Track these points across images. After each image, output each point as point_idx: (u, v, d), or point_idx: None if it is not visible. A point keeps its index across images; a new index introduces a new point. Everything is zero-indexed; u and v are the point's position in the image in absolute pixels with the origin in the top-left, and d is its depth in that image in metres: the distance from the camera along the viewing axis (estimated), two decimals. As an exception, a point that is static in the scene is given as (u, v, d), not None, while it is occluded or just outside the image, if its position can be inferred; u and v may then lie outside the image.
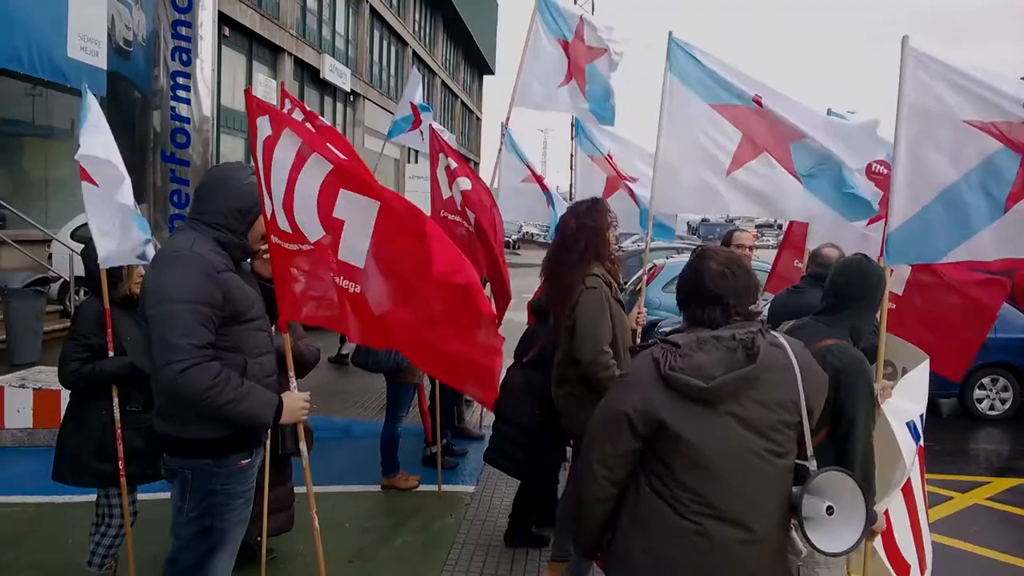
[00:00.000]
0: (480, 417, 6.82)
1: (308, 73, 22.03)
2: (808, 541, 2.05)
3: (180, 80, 7.62)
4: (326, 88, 23.61)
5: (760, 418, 2.03)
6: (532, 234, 39.55)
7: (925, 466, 3.37)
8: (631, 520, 2.11)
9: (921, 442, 3.17)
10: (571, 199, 9.70)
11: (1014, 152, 2.86)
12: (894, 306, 3.71)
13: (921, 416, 3.15)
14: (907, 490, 3.06)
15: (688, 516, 2.01)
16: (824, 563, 2.88)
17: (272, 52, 19.72)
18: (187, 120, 7.62)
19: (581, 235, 3.66)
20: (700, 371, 2.00)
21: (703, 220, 28.73)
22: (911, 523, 3.11)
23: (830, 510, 2.08)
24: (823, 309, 2.95)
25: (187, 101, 7.65)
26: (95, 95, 3.67)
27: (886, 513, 2.95)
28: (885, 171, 4.09)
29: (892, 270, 3.26)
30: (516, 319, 4.73)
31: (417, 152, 32.04)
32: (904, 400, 3.03)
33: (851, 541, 2.09)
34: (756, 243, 5.26)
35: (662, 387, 2.02)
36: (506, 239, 34.51)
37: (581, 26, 6.00)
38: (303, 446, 3.11)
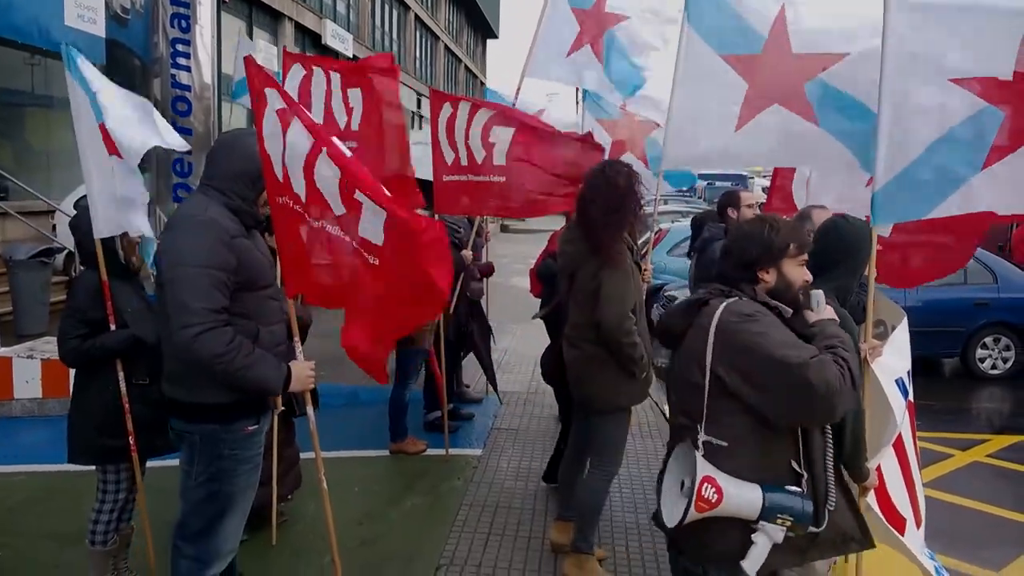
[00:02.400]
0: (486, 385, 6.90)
1: (309, 38, 21.82)
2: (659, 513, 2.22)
3: (180, 47, 7.56)
4: (328, 54, 23.39)
5: (678, 371, 2.32)
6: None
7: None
8: None
9: (910, 397, 3.22)
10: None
11: (997, 109, 2.85)
12: (881, 248, 3.73)
13: (908, 372, 3.20)
14: (899, 446, 3.11)
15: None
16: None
17: (272, 18, 19.53)
18: (188, 88, 7.58)
19: (626, 198, 3.53)
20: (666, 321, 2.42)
21: (709, 183, 28.45)
22: (904, 478, 3.16)
23: (683, 485, 2.15)
24: (810, 270, 2.97)
25: (187, 68, 7.60)
26: (94, 64, 3.57)
27: (878, 469, 3.01)
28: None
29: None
30: (521, 284, 4.76)
31: (422, 118, 31.91)
32: (892, 358, 3.07)
33: (674, 518, 2.13)
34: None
35: None
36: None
37: None
38: (311, 410, 3.16)
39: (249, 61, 2.86)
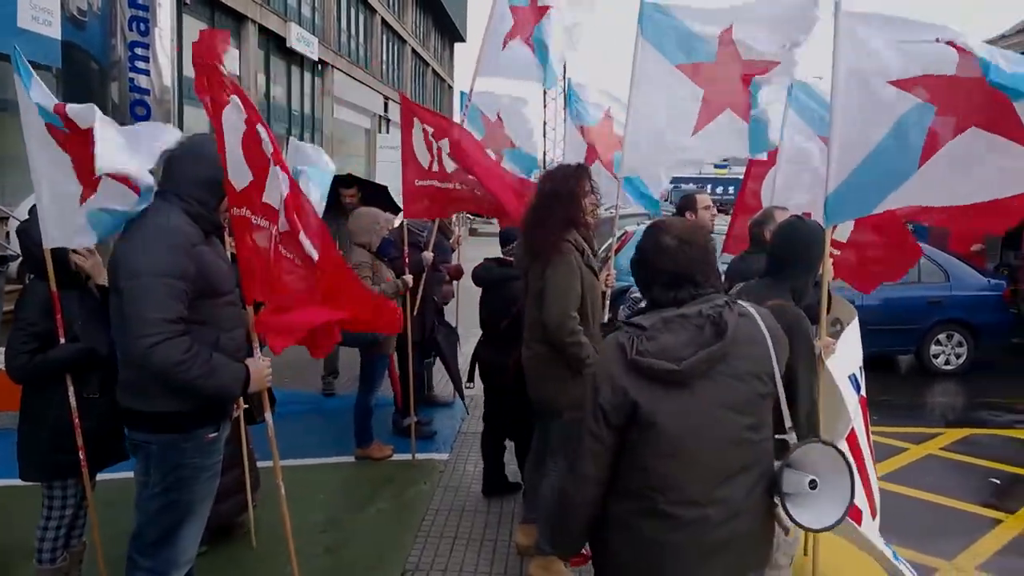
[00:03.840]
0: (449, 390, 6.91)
1: (274, 42, 21.62)
2: (791, 517, 2.02)
3: (138, 51, 7.45)
4: (293, 57, 23.20)
5: (736, 394, 1.97)
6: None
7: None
8: (613, 518, 2.06)
9: (863, 393, 3.32)
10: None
11: (930, 105, 2.97)
12: (839, 252, 3.85)
13: (860, 368, 3.30)
14: (852, 440, 3.20)
15: (666, 507, 1.96)
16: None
17: (235, 20, 19.30)
18: (147, 91, 7.48)
19: (556, 199, 3.63)
20: (668, 353, 1.93)
21: (675, 187, 28.82)
22: (859, 471, 3.25)
23: (813, 484, 2.03)
24: (766, 271, 3.07)
25: (146, 72, 7.49)
26: (49, 67, 3.47)
27: (834, 464, 3.09)
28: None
29: (835, 227, 3.38)
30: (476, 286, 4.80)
31: (389, 122, 31.80)
32: (845, 355, 3.17)
33: (836, 515, 2.04)
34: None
35: (631, 373, 1.95)
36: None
37: None
38: (268, 415, 3.14)
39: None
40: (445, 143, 5.01)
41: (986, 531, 4.63)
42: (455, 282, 6.72)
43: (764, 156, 5.16)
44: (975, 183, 3.04)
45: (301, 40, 22.69)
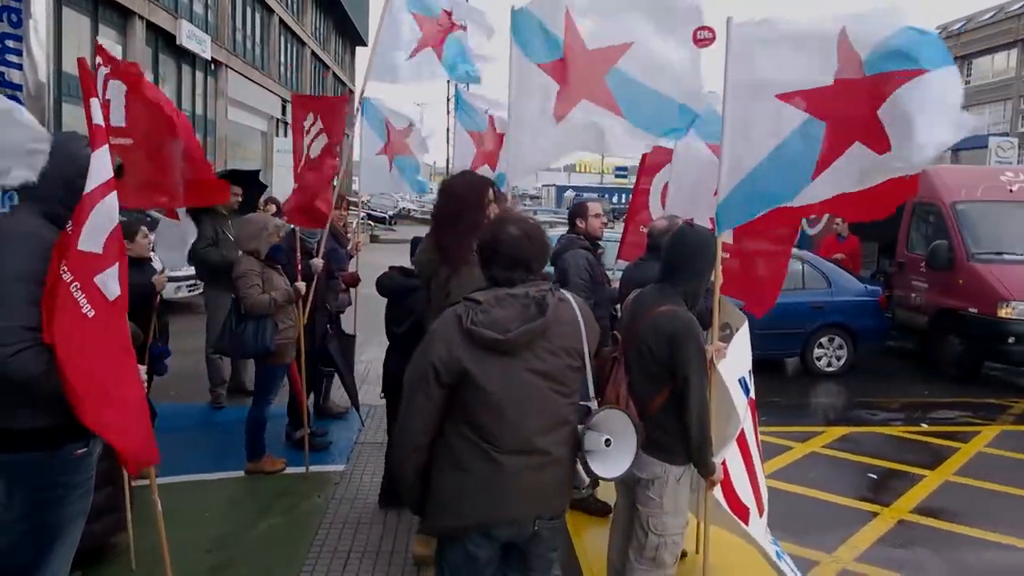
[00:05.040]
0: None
1: (163, 39, 20.64)
2: (589, 470, 2.43)
3: (10, 43, 6.88)
4: (183, 56, 22.22)
5: (551, 364, 2.36)
6: (409, 209, 39.10)
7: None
8: (440, 463, 2.40)
9: (751, 395, 3.44)
10: (447, 173, 9.64)
11: (819, 121, 3.11)
12: (728, 255, 3.97)
13: (749, 372, 3.42)
14: (742, 441, 3.31)
15: (485, 451, 2.33)
16: (670, 511, 3.09)
17: (121, 15, 18.31)
18: (19, 87, 6.91)
19: (463, 205, 3.57)
20: (498, 325, 2.30)
21: (577, 194, 29.44)
22: (747, 470, 3.37)
23: (608, 442, 2.44)
24: (659, 278, 3.14)
25: (19, 67, 6.92)
26: None
27: (723, 463, 3.19)
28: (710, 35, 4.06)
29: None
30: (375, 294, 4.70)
31: (287, 125, 30.91)
32: (735, 358, 3.27)
33: (625, 465, 2.49)
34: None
35: (465, 340, 2.31)
36: (382, 214, 33.99)
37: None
38: (148, 429, 2.97)
39: (82, 63, 2.69)
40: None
41: (864, 524, 4.90)
42: (352, 290, 6.57)
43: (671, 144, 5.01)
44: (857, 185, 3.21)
45: (193, 38, 21.77)
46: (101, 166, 2.49)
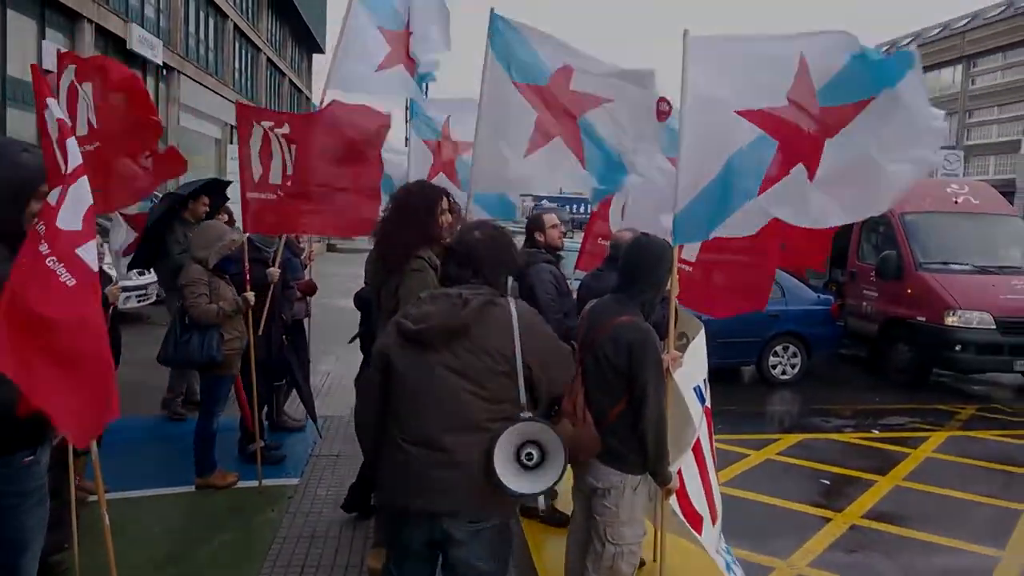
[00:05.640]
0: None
1: (112, 43, 20.14)
2: (501, 483, 2.36)
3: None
4: (134, 60, 21.70)
5: (470, 364, 2.39)
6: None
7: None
8: (381, 447, 2.55)
9: (707, 403, 3.46)
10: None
11: (772, 139, 3.16)
12: (689, 269, 4.02)
13: (705, 380, 3.44)
14: (697, 449, 3.33)
15: (400, 441, 2.44)
16: (626, 520, 3.09)
17: (68, 18, 17.84)
18: (-41, 91, 6.74)
19: (413, 213, 3.53)
20: (423, 319, 2.43)
21: (536, 204, 29.53)
22: (701, 478, 3.39)
23: (530, 456, 2.41)
24: (616, 287, 3.15)
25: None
26: None
27: (679, 471, 3.19)
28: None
29: (682, 247, 3.52)
30: (347, 305, 4.64)
31: (241, 132, 30.43)
32: (691, 367, 3.29)
33: (545, 484, 2.42)
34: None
35: (393, 330, 2.50)
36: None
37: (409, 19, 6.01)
38: (93, 443, 2.89)
39: (34, 69, 2.67)
40: (279, 148, 4.95)
41: (817, 529, 4.96)
42: (309, 299, 6.46)
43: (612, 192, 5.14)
44: (796, 216, 3.30)
45: (144, 42, 21.32)
46: (72, 153, 2.49)
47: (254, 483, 5.06)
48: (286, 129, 4.98)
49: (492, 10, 4.44)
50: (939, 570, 4.54)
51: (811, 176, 3.13)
